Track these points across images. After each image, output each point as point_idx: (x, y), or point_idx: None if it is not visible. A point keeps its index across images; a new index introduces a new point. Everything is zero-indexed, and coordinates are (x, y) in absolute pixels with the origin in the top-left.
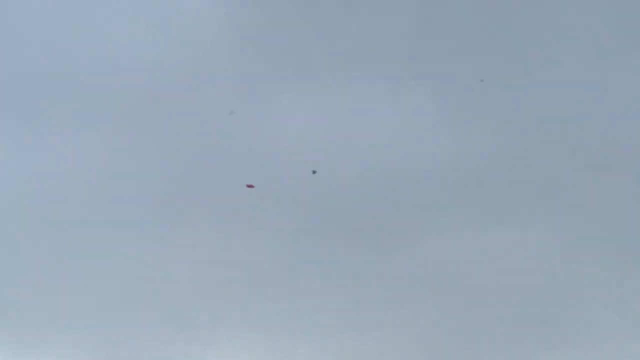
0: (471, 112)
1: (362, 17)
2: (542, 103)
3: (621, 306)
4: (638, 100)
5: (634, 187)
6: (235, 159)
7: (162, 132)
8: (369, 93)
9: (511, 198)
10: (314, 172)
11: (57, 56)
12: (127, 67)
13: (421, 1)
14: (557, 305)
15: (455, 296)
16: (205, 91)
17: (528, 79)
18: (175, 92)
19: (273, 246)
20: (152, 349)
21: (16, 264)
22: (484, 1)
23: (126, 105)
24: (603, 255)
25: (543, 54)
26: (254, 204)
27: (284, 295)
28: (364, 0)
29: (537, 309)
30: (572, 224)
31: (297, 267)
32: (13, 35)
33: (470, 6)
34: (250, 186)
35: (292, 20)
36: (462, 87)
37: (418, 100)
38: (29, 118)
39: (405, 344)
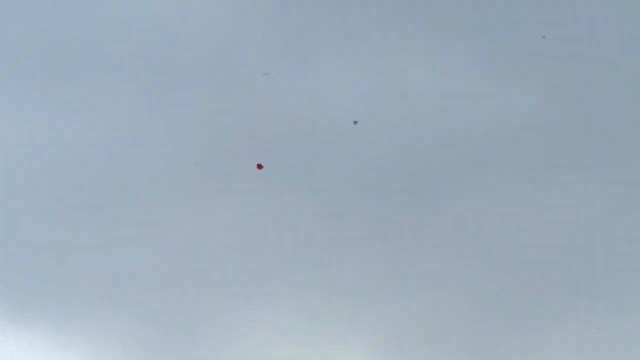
0: (515, 68)
1: None
2: (587, 58)
3: None
4: None
5: None
6: (276, 118)
7: (205, 93)
8: (410, 50)
9: (556, 155)
10: (355, 122)
11: (100, 19)
12: (167, 31)
13: None
14: (603, 263)
15: (500, 253)
16: (243, 50)
17: (574, 33)
18: (214, 53)
19: (316, 206)
20: (194, 310)
21: (60, 226)
22: None
23: (167, 68)
24: None
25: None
26: (296, 164)
27: (328, 255)
28: None
29: (581, 266)
30: (621, 181)
31: (341, 225)
32: None
33: None
34: (259, 166)
35: None
36: (506, 43)
37: (460, 56)
38: (71, 80)
39: (450, 301)
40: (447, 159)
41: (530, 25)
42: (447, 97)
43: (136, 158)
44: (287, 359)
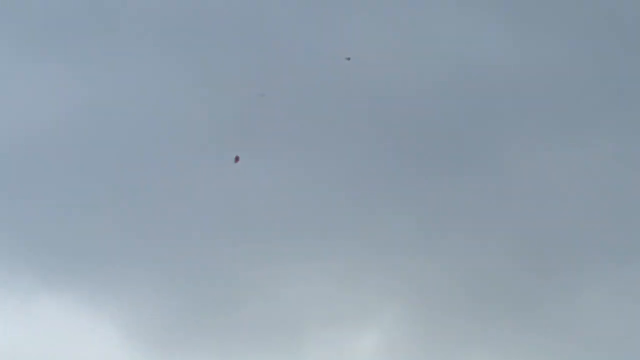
0: (542, 21)
1: None
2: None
3: None
4: None
5: None
6: (305, 75)
7: (234, 51)
8: (437, 4)
9: (587, 111)
10: (348, 58)
11: None
12: None
13: None
14: (633, 223)
15: (531, 212)
16: (275, 15)
17: None
18: (246, 19)
19: (349, 166)
20: (228, 272)
21: (94, 187)
22: None
23: (198, 25)
24: None
25: None
26: (324, 124)
27: (358, 223)
28: None
29: (619, 226)
30: None
31: (369, 190)
32: None
33: None
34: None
35: None
36: None
37: (484, 10)
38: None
39: (481, 269)
40: (476, 117)
41: None
42: (474, 53)
43: (174, 116)
44: (320, 320)
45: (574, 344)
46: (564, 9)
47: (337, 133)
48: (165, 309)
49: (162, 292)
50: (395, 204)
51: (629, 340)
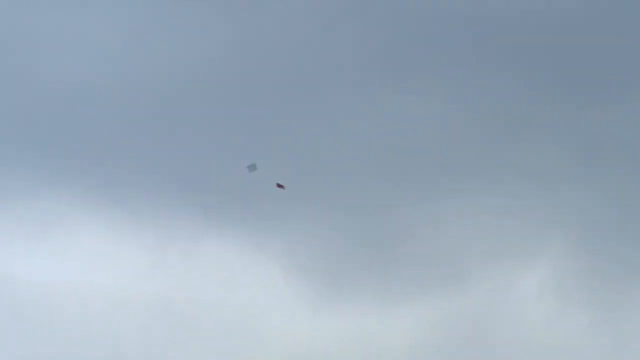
0: None
1: None
2: None
3: None
4: None
5: None
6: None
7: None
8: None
9: None
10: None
11: None
12: None
13: None
14: None
15: None
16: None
17: None
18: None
19: (504, 104)
20: (389, 222)
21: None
22: None
23: None
24: None
25: None
26: (485, 56)
27: (517, 156)
28: None
29: None
30: None
31: (527, 123)
32: None
33: None
34: (280, 186)
35: None
36: None
37: None
38: None
39: None
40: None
41: None
42: None
43: (320, 52)
44: (483, 254)
45: None
46: None
47: (496, 65)
48: (328, 246)
49: (324, 230)
50: (554, 137)
51: None
